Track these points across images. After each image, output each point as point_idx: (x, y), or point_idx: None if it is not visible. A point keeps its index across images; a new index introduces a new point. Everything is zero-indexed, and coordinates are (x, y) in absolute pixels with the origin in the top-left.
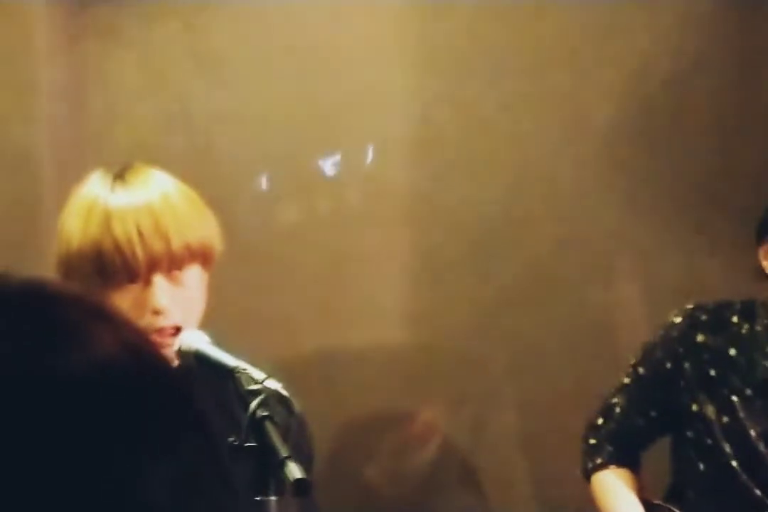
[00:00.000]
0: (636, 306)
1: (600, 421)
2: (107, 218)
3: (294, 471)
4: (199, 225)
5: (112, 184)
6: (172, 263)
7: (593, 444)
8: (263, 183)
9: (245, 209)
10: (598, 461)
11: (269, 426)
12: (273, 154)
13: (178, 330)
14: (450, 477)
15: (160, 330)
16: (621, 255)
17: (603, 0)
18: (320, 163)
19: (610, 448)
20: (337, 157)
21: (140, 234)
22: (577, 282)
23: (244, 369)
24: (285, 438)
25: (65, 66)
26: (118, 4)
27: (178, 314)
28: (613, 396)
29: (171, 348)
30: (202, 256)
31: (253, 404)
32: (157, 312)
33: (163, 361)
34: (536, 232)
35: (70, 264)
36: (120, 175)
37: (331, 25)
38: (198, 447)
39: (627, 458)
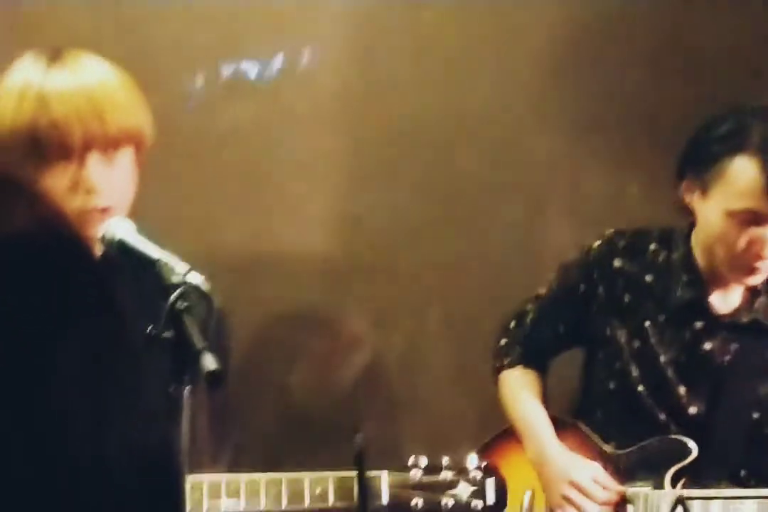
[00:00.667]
0: (560, 229)
1: (512, 325)
2: (44, 98)
3: (209, 362)
4: (134, 109)
5: (46, 66)
6: (107, 143)
7: (503, 345)
8: (195, 82)
9: (175, 107)
10: (506, 361)
11: (187, 317)
12: (206, 53)
13: (106, 211)
14: (373, 387)
15: (91, 210)
16: (547, 179)
17: None
18: (254, 63)
19: (519, 349)
20: (272, 58)
21: (78, 113)
22: (504, 201)
23: (167, 262)
24: (203, 331)
25: None
26: None
27: (110, 195)
28: (528, 303)
29: (100, 229)
30: (135, 139)
31: (173, 296)
32: (89, 191)
33: (78, 239)
34: (468, 150)
35: (1, 144)
36: (55, 58)
37: None
38: (108, 326)
39: (534, 361)
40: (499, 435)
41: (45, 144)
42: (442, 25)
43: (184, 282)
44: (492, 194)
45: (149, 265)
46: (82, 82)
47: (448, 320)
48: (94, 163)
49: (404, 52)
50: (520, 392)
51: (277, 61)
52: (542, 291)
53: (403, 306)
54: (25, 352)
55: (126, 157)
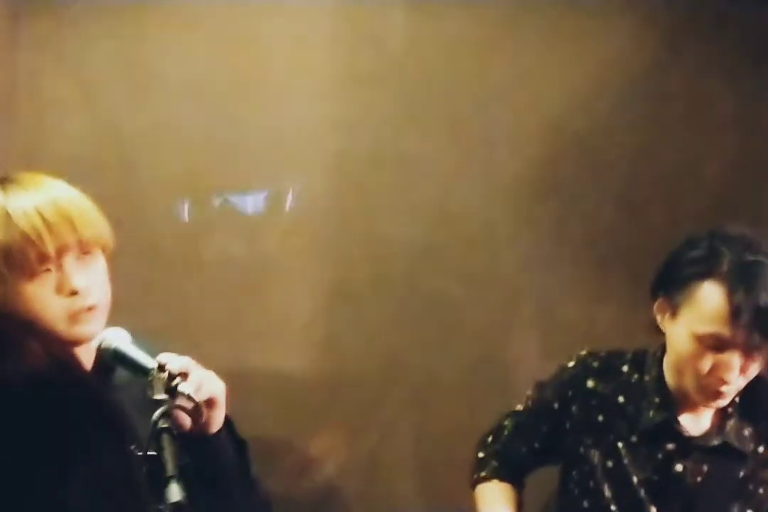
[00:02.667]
0: (533, 348)
1: (489, 439)
2: (7, 216)
3: (173, 492)
4: (96, 216)
5: (1, 188)
6: (79, 246)
7: (481, 458)
8: (184, 202)
9: (163, 226)
10: (483, 474)
11: (166, 438)
12: (196, 173)
13: (92, 309)
14: (343, 502)
15: (78, 310)
16: (523, 297)
17: (515, 51)
18: (239, 188)
19: (495, 464)
20: (257, 183)
21: (45, 221)
22: (480, 320)
23: (159, 373)
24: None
25: None
26: (54, 19)
27: (93, 294)
28: (505, 418)
29: (90, 326)
30: (102, 242)
31: (156, 413)
32: (73, 293)
33: (85, 374)
34: (446, 269)
35: None
36: (7, 180)
37: (261, 53)
38: (112, 454)
39: (510, 475)
40: None
41: (21, 258)
42: (424, 152)
43: (167, 400)
44: (466, 313)
45: (142, 374)
46: (43, 192)
47: (420, 438)
48: (70, 266)
49: (384, 178)
50: (494, 505)
51: (263, 183)
52: (519, 407)
53: (377, 423)
54: (37, 480)
55: (97, 259)
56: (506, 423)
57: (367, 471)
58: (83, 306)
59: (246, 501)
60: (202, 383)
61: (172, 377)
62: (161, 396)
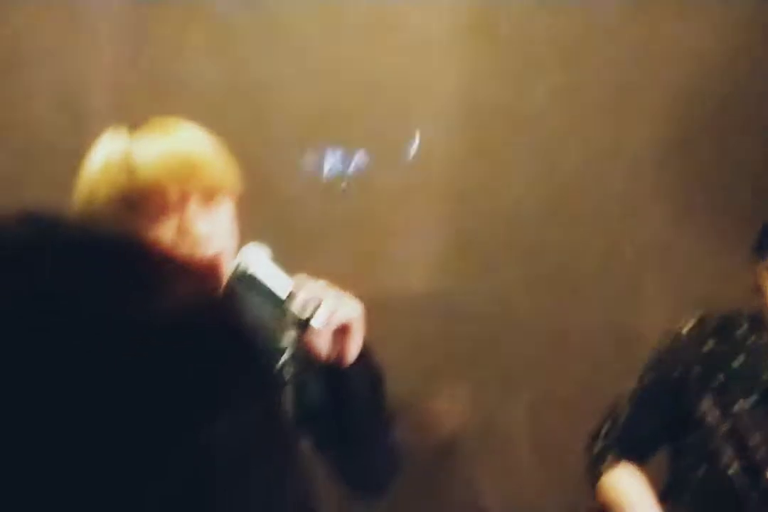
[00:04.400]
0: (661, 315)
1: (604, 430)
2: (131, 161)
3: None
4: (224, 162)
5: (129, 134)
6: (204, 192)
7: (599, 450)
8: (314, 150)
9: (288, 173)
10: (607, 463)
11: (288, 391)
12: (324, 121)
13: (217, 256)
14: (459, 460)
15: (201, 258)
16: (655, 262)
17: (651, 20)
18: (365, 139)
19: (617, 451)
20: (384, 134)
21: (168, 167)
22: (607, 286)
23: (291, 305)
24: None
25: (128, 24)
26: None
27: (218, 241)
28: (617, 405)
29: (216, 274)
30: (228, 188)
31: (279, 363)
32: (195, 240)
33: (238, 318)
34: (576, 234)
35: (99, 214)
36: (137, 126)
37: (399, 7)
38: (259, 401)
39: (633, 460)
40: None
41: (144, 203)
42: (549, 104)
43: (300, 330)
44: (592, 280)
45: (273, 303)
46: (173, 141)
47: (537, 400)
48: (193, 212)
49: (514, 138)
50: (630, 484)
51: (391, 135)
52: (632, 388)
53: (494, 383)
54: (182, 423)
55: (222, 206)
56: (620, 408)
57: (486, 431)
58: (206, 252)
59: (378, 441)
60: (336, 310)
61: (303, 308)
62: (285, 344)
